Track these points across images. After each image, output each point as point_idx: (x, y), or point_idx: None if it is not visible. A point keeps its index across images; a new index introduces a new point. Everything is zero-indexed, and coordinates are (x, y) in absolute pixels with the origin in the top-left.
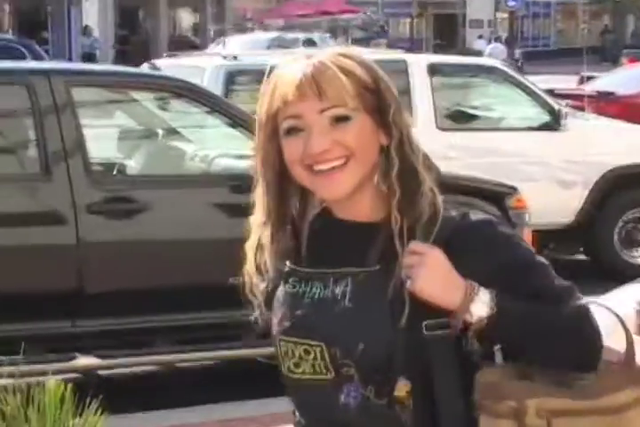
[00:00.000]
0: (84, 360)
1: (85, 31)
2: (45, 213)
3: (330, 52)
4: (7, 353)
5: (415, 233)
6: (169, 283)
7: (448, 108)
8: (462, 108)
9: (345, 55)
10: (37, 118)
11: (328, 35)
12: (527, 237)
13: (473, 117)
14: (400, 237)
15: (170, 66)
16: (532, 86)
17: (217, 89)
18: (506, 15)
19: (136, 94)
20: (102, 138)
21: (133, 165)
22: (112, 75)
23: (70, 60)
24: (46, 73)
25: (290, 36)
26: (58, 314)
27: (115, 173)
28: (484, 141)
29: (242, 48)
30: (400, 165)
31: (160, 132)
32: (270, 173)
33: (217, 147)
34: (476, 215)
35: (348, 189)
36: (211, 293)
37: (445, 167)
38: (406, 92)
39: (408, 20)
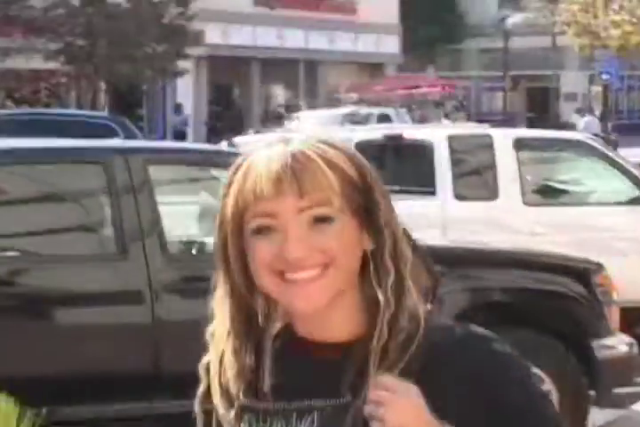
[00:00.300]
0: None
1: (177, 109)
2: (122, 292)
3: (310, 138)
4: None
5: (388, 353)
6: None
7: (535, 182)
8: (549, 183)
9: (328, 143)
10: (114, 197)
11: (404, 110)
12: (614, 315)
13: (560, 192)
14: (375, 359)
15: (255, 142)
16: (621, 160)
17: None
18: (600, 88)
19: (213, 172)
20: (179, 216)
21: (211, 244)
22: (189, 152)
23: (164, 137)
24: (123, 151)
25: (364, 111)
26: (134, 395)
27: (191, 251)
28: (572, 217)
29: (316, 123)
30: (395, 273)
31: None
32: (234, 274)
33: None
34: (466, 330)
35: (322, 302)
36: None
37: (532, 244)
38: (491, 166)
39: (501, 93)
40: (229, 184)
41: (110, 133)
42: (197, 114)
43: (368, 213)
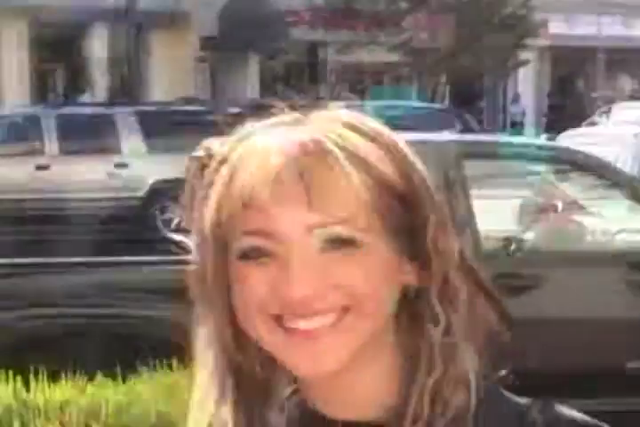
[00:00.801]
0: None
1: (514, 99)
2: None
3: (331, 118)
4: None
5: None
6: (559, 366)
7: None
8: None
9: (358, 129)
10: None
11: None
12: None
13: None
14: None
15: (588, 134)
16: None
17: (637, 157)
18: None
19: (530, 166)
20: (493, 211)
21: (524, 241)
22: (503, 146)
23: (504, 128)
24: (437, 145)
25: None
26: None
27: (507, 248)
28: None
29: (627, 122)
30: (446, 322)
31: (555, 205)
32: (219, 314)
33: (618, 221)
34: (549, 413)
35: (338, 362)
36: (606, 378)
37: None
38: None
39: None
40: (209, 184)
41: (448, 125)
42: (537, 105)
43: (412, 234)
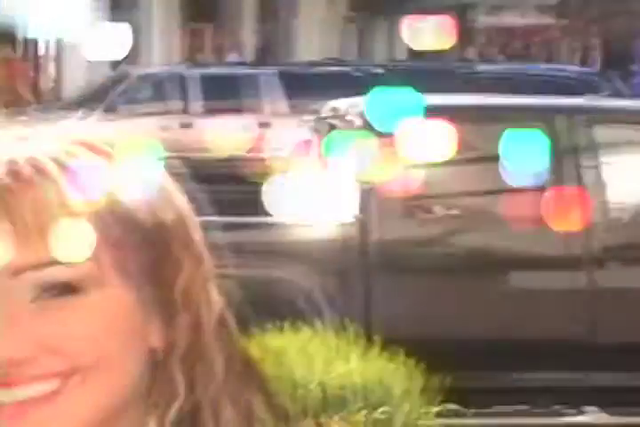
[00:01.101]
0: (591, 416)
1: None
2: (559, 257)
3: (63, 134)
4: (513, 402)
5: None
6: None
7: None
8: None
9: (93, 147)
10: (555, 157)
11: None
12: None
13: None
14: None
15: None
16: None
17: None
18: None
19: None
20: (627, 180)
21: None
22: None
23: None
24: (566, 110)
25: None
26: (569, 364)
27: (632, 216)
28: None
29: None
30: (182, 401)
31: None
32: None
33: None
34: None
35: None
36: None
37: None
38: None
39: None
40: None
41: (598, 90)
42: None
43: (160, 282)
